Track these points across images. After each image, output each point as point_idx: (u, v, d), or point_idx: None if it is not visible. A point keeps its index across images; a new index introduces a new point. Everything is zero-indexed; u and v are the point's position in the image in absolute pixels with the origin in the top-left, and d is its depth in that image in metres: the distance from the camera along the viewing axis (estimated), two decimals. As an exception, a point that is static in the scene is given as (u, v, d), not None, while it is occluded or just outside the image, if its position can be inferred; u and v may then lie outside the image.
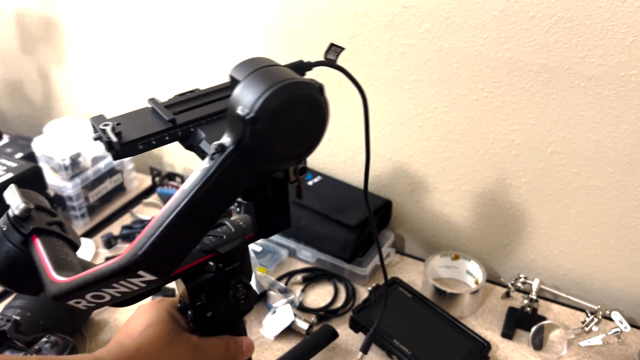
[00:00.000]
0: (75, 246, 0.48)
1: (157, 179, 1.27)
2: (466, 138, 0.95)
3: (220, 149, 0.38)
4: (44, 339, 0.70)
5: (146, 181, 1.31)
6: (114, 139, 0.41)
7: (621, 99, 0.81)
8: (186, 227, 0.38)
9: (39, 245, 0.45)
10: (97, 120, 0.44)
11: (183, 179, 1.27)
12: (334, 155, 1.11)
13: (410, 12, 0.88)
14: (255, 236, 0.49)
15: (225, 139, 0.38)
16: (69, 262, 0.44)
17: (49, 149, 1.11)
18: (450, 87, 0.92)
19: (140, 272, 0.38)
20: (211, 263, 0.48)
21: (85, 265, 0.44)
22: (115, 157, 0.43)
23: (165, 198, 1.22)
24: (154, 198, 1.25)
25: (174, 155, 1.33)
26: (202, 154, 0.43)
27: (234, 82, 0.38)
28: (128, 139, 0.42)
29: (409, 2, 0.87)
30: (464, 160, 0.98)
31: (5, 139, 1.27)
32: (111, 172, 1.21)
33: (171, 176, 1.28)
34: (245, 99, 0.36)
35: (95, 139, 0.44)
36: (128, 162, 1.23)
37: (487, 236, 1.04)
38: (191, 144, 0.45)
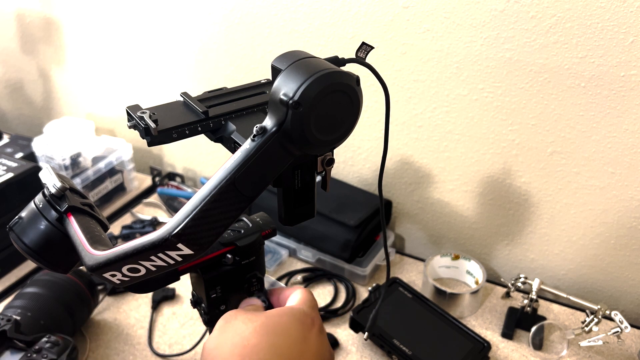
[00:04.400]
0: (105, 227, 0.51)
1: (157, 179, 1.27)
2: (466, 138, 0.95)
3: (262, 131, 0.40)
4: (44, 339, 0.70)
5: (146, 181, 1.31)
6: (152, 125, 0.44)
7: (621, 99, 0.81)
8: (226, 204, 0.40)
9: (74, 222, 0.47)
10: (133, 109, 0.46)
11: (183, 179, 1.27)
12: (334, 155, 1.11)
13: (410, 12, 0.88)
14: (281, 224, 0.51)
15: (267, 122, 0.40)
16: (102, 238, 0.46)
17: (49, 149, 1.11)
18: (450, 87, 0.92)
19: (180, 246, 0.40)
20: (229, 256, 0.51)
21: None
22: (150, 144, 0.45)
23: (165, 198, 1.22)
24: (154, 198, 1.25)
25: (174, 155, 1.33)
26: (232, 145, 0.46)
27: (275, 72, 0.41)
28: (164, 127, 0.45)
29: (409, 2, 0.87)
30: (464, 160, 0.98)
31: (6, 139, 1.27)
32: (111, 172, 1.21)
33: (171, 176, 1.28)
34: (289, 85, 0.38)
35: (130, 127, 0.47)
36: (128, 162, 1.23)
37: (487, 236, 1.04)
38: (221, 136, 0.48)
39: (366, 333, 0.82)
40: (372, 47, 0.47)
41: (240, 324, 0.43)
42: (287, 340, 0.42)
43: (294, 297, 0.48)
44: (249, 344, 0.41)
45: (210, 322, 0.54)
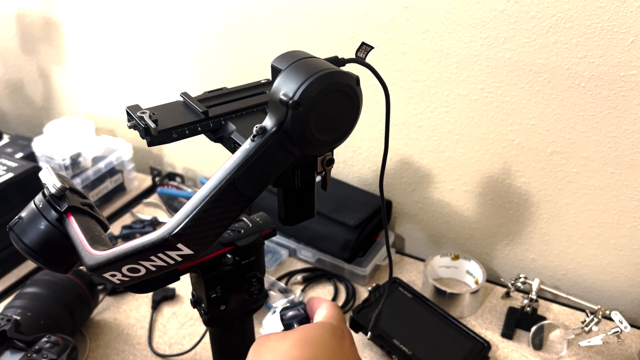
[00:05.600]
0: (105, 227, 0.51)
1: (157, 179, 1.27)
2: (466, 138, 0.95)
3: (262, 131, 0.40)
4: (45, 339, 0.70)
5: (146, 181, 1.31)
6: (152, 125, 0.44)
7: (621, 99, 0.81)
8: (226, 204, 0.40)
9: (74, 222, 0.47)
10: (133, 109, 0.47)
11: (183, 179, 1.27)
12: (334, 155, 1.11)
13: (410, 12, 0.88)
14: (281, 224, 0.51)
15: (267, 122, 0.40)
16: (102, 238, 0.46)
17: (49, 149, 1.11)
18: (450, 87, 0.92)
19: (180, 246, 0.40)
20: (229, 256, 0.51)
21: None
22: (150, 144, 0.45)
23: (165, 198, 1.22)
24: (154, 198, 1.25)
25: (174, 155, 1.33)
26: (232, 145, 0.47)
27: (275, 72, 0.41)
28: (164, 127, 0.45)
29: (409, 2, 0.87)
30: (464, 160, 0.98)
31: (6, 139, 1.27)
32: (111, 172, 1.21)
33: (171, 176, 1.28)
34: (289, 85, 0.39)
35: (130, 127, 0.47)
36: (128, 162, 1.23)
37: (487, 236, 1.04)
38: (221, 136, 0.48)
39: (369, 333, 0.82)
40: (372, 47, 0.47)
41: (277, 343, 0.43)
42: (326, 351, 0.42)
43: (321, 312, 0.49)
44: (290, 357, 0.41)
45: (210, 322, 0.55)
